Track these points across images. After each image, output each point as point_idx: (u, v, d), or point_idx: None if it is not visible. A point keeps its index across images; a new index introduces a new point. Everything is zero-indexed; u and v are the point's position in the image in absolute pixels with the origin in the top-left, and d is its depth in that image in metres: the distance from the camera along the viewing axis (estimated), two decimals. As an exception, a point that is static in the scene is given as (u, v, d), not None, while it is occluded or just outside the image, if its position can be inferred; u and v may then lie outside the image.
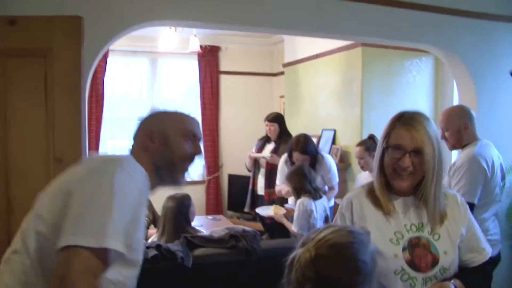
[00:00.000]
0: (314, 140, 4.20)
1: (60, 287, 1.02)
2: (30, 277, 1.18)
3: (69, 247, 1.05)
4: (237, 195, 5.57)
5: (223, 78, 6.34)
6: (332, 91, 4.72)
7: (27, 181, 2.24)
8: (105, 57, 5.43)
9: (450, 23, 3.29)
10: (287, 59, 5.72)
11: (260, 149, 4.49)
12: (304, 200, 3.21)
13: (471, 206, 2.44)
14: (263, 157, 4.34)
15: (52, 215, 1.17)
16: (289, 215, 3.46)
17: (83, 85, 2.36)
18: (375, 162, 1.53)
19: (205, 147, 6.13)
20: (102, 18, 2.49)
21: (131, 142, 1.43)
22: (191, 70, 6.22)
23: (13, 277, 1.20)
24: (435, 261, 1.44)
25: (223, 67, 6.33)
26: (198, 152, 1.43)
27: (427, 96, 4.52)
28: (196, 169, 6.29)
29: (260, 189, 4.42)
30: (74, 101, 2.31)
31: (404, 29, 3.20)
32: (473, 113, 2.81)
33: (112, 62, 5.74)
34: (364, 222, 1.50)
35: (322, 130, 4.82)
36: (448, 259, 1.45)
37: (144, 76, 6.10)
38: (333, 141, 4.64)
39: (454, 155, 2.96)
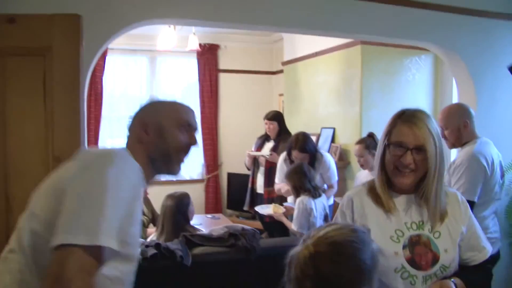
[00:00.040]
0: (314, 138, 4.20)
1: (54, 286, 1.02)
2: (26, 275, 1.18)
3: (63, 245, 1.04)
4: (237, 193, 5.57)
5: (222, 77, 6.33)
6: (332, 89, 4.72)
7: (26, 180, 2.23)
8: (104, 56, 5.42)
9: (449, 21, 3.28)
10: (286, 57, 5.71)
11: (259, 147, 4.49)
12: (303, 198, 3.21)
13: (471, 204, 2.44)
14: (262, 156, 4.34)
15: (46, 212, 1.16)
16: (288, 214, 3.46)
17: (82, 84, 2.35)
18: (376, 160, 1.53)
19: (204, 145, 6.14)
20: (101, 16, 2.48)
21: (127, 133, 1.40)
22: (190, 68, 6.21)
23: (10, 276, 1.19)
24: (435, 259, 1.44)
25: (222, 65, 6.32)
26: (193, 142, 1.40)
27: (427, 94, 4.51)
28: (195, 168, 6.29)
29: (260, 188, 4.42)
30: (73, 100, 2.31)
31: (404, 27, 3.20)
32: (472, 111, 2.81)
33: (111, 60, 5.72)
34: (365, 220, 1.50)
35: (322, 128, 4.82)
36: (449, 257, 1.46)
37: (143, 75, 6.09)
38: (333, 139, 4.64)
39: (453, 153, 2.96)
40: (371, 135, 3.49)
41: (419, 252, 1.44)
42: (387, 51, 4.26)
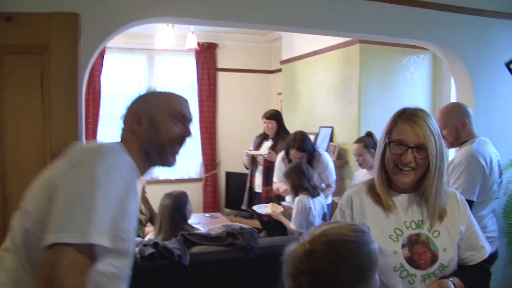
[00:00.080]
0: (312, 137, 4.20)
1: (47, 285, 1.01)
2: (20, 274, 1.18)
3: (55, 244, 1.04)
4: (235, 192, 5.57)
5: (221, 75, 6.33)
6: (330, 88, 4.72)
7: (24, 178, 2.21)
8: (102, 55, 5.40)
9: (447, 20, 3.29)
10: (284, 56, 5.71)
11: (257, 146, 4.49)
12: (302, 197, 3.21)
13: (470, 203, 2.45)
14: (261, 155, 4.34)
15: (38, 210, 1.16)
16: (286, 213, 3.46)
17: (80, 82, 2.34)
18: (376, 158, 1.53)
19: (202, 144, 6.14)
20: (99, 15, 2.47)
21: (121, 125, 1.38)
22: (189, 67, 6.21)
23: (6, 275, 1.19)
24: (434, 258, 1.44)
25: (220, 64, 6.32)
26: (187, 133, 1.36)
27: (425, 93, 4.52)
28: (193, 167, 6.29)
29: (258, 187, 4.42)
30: (71, 98, 2.30)
31: (402, 26, 3.20)
32: (471, 110, 2.81)
33: (109, 59, 5.71)
34: (364, 219, 1.50)
35: (320, 127, 4.81)
36: (447, 256, 1.46)
37: (141, 74, 6.08)
38: (331, 138, 4.63)
39: (452, 153, 2.96)
40: (369, 134, 3.49)
41: (418, 251, 1.44)
42: (385, 50, 4.26)
